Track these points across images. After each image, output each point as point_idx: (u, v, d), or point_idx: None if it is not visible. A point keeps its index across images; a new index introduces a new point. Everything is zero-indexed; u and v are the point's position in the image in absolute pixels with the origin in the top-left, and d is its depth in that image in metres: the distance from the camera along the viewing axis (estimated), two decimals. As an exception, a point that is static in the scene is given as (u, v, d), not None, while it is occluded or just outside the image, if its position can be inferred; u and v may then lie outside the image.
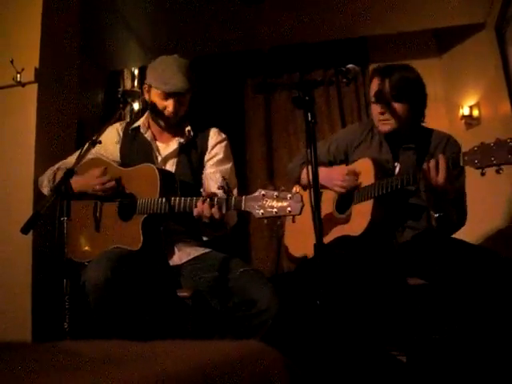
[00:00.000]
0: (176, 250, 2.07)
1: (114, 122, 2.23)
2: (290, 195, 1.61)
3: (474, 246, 2.03)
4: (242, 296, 1.84)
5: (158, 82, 2.07)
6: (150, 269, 1.97)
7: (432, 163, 1.82)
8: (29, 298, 2.36)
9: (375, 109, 2.16)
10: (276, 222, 1.70)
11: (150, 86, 2.13)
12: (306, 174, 1.58)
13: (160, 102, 2.10)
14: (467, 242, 2.04)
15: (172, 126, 2.17)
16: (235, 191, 2.14)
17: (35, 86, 2.58)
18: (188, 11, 3.79)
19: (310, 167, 1.54)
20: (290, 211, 1.60)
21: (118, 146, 2.23)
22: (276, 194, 1.63)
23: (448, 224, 2.02)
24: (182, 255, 2.07)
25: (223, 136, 2.24)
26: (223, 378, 0.64)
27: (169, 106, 2.09)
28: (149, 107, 2.12)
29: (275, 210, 1.62)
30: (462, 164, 1.78)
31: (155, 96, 2.11)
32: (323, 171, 2.14)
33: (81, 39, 3.06)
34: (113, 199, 2.05)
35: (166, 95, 2.08)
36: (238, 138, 4.54)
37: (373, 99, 2.16)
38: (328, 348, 1.47)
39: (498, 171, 1.69)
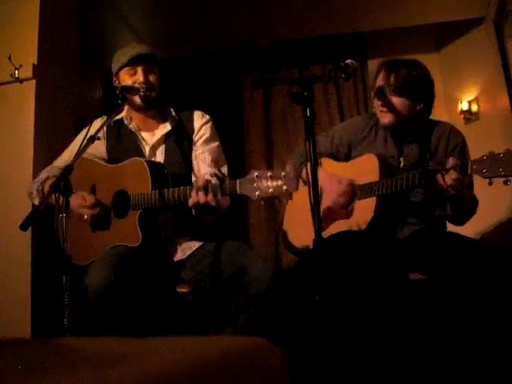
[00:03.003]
0: (179, 244, 2.07)
1: (114, 118, 2.21)
2: (284, 173, 1.57)
3: (473, 239, 2.04)
4: (235, 266, 1.84)
5: (121, 59, 2.07)
6: (153, 264, 1.96)
7: (443, 182, 1.83)
8: (28, 294, 2.36)
9: (377, 101, 2.17)
10: (277, 199, 1.66)
11: (117, 74, 2.11)
12: (305, 172, 1.58)
13: (130, 79, 2.07)
14: (466, 236, 2.05)
15: (151, 106, 2.13)
16: (225, 169, 2.15)
17: (33, 83, 2.57)
18: (186, 6, 3.78)
19: (308, 164, 1.54)
20: (286, 189, 1.57)
21: (104, 142, 2.19)
22: (270, 173, 1.59)
23: (463, 210, 2.06)
24: (185, 249, 2.07)
25: (207, 117, 2.23)
26: (220, 375, 0.64)
27: (138, 76, 2.06)
28: (120, 91, 1.97)
29: (271, 189, 1.59)
30: (469, 172, 1.77)
31: (124, 78, 2.08)
32: (324, 175, 2.15)
33: (79, 35, 3.05)
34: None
35: (133, 68, 2.07)
36: (236, 133, 4.55)
37: (376, 91, 2.16)
38: (328, 343, 1.47)
39: (505, 182, 1.68)
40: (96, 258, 1.88)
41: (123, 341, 0.78)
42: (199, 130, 2.18)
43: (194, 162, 2.15)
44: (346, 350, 1.83)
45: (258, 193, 1.61)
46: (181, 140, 2.16)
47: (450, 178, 1.80)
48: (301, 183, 1.61)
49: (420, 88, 2.11)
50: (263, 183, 1.60)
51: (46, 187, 2.10)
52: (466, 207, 2.06)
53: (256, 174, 1.62)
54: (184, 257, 2.05)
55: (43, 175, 2.19)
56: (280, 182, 1.58)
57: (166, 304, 2.02)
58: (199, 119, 2.20)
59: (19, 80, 2.55)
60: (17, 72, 2.54)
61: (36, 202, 2.15)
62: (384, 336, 1.94)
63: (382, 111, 2.15)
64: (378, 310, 1.90)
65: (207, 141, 2.17)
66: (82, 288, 1.76)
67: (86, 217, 1.96)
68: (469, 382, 1.82)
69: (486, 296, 1.80)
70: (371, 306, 1.89)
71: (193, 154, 2.16)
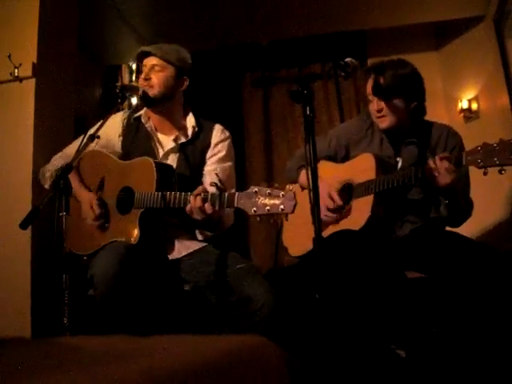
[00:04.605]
0: (176, 243, 2.07)
1: (135, 116, 2.23)
2: (282, 193, 1.60)
3: (471, 240, 2.04)
4: (238, 294, 1.85)
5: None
6: (149, 263, 1.97)
7: (435, 166, 1.84)
8: (28, 293, 2.36)
9: (372, 106, 2.18)
10: (273, 217, 1.70)
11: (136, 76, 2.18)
12: (304, 177, 1.58)
13: (141, 77, 2.13)
14: (465, 236, 2.05)
15: (154, 104, 2.13)
16: (233, 192, 2.14)
17: (33, 81, 2.57)
18: (186, 6, 3.77)
19: (309, 168, 1.54)
20: (282, 209, 1.59)
21: (121, 139, 2.20)
22: (269, 191, 1.62)
23: (457, 211, 2.05)
24: (181, 249, 2.06)
25: (227, 134, 2.22)
26: (222, 373, 0.64)
27: (142, 72, 2.12)
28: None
29: (268, 207, 1.62)
30: (464, 163, 1.80)
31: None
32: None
33: (78, 34, 3.05)
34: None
35: (143, 66, 2.12)
36: (236, 132, 4.53)
37: (369, 97, 2.18)
38: (327, 342, 1.47)
39: (500, 171, 1.70)
40: (95, 249, 1.94)
41: (124, 339, 0.78)
42: (215, 146, 2.17)
43: (204, 177, 2.14)
44: (345, 349, 1.83)
45: (254, 209, 1.64)
46: (195, 152, 2.15)
47: (441, 165, 1.82)
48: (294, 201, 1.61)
49: (410, 86, 2.12)
50: (261, 200, 1.63)
51: None
52: (461, 208, 2.06)
53: (255, 189, 1.65)
54: (179, 256, 2.05)
55: (58, 162, 2.21)
56: (277, 201, 1.61)
57: (165, 300, 2.02)
58: (218, 135, 2.19)
59: (19, 79, 2.55)
60: (16, 71, 2.54)
61: (47, 185, 2.21)
62: (383, 335, 1.94)
63: (378, 116, 2.17)
64: (377, 308, 1.90)
65: (221, 159, 2.16)
66: (86, 279, 1.77)
67: (87, 221, 2.02)
68: (468, 380, 1.82)
69: (484, 295, 1.80)
70: (370, 305, 1.90)
71: (204, 169, 2.16)
